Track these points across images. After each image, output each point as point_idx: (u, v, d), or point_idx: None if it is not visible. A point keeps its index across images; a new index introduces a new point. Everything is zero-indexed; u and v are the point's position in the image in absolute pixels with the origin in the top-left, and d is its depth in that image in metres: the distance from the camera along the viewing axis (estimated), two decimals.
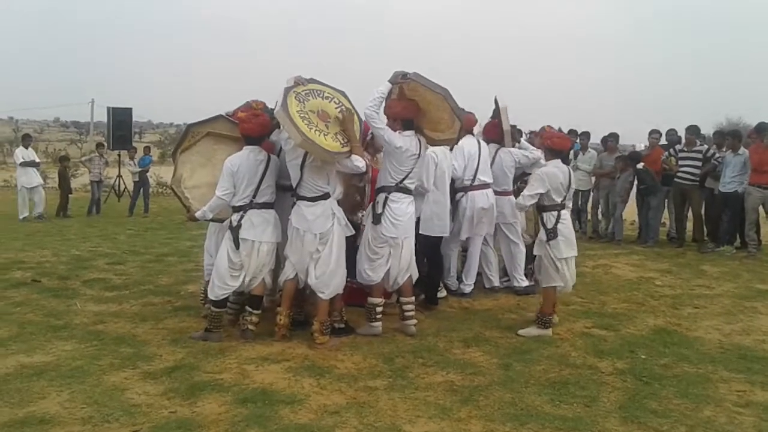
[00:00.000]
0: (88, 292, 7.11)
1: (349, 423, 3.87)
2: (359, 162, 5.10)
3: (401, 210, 5.44)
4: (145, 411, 3.99)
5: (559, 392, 4.39)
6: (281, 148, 5.44)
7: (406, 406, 4.12)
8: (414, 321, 5.64)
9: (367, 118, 5.31)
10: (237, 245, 5.20)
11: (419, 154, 5.51)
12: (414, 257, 5.66)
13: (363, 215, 5.77)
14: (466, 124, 6.79)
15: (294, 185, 5.25)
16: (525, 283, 7.07)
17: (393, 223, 5.40)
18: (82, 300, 6.72)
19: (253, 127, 5.25)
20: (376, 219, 5.42)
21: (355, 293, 5.75)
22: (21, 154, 13.94)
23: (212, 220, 5.51)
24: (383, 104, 5.34)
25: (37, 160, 14.43)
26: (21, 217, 13.48)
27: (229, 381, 4.49)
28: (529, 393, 4.37)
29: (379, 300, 5.56)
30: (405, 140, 5.40)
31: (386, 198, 5.43)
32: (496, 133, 7.08)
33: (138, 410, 4.00)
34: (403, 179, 5.46)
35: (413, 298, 5.71)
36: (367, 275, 5.49)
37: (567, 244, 5.61)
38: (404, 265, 5.53)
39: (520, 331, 5.69)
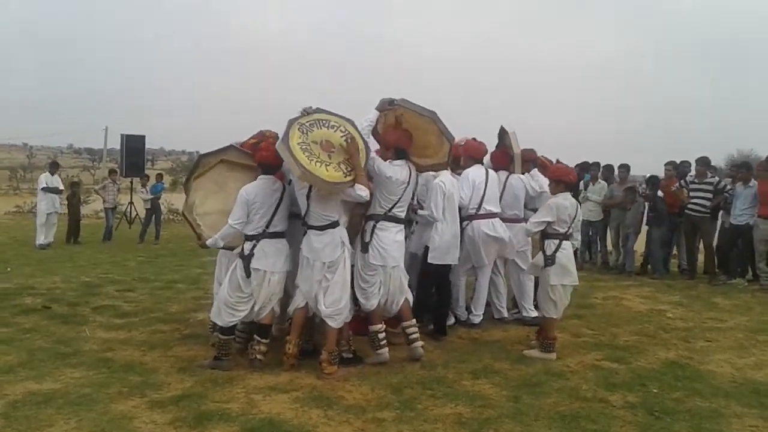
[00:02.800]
0: (98, 318, 7.12)
1: None
2: (363, 192, 5.10)
3: (389, 238, 5.49)
4: None
5: (569, 426, 4.33)
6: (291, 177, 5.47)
7: None
8: (420, 343, 5.67)
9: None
10: (248, 274, 5.20)
11: (409, 182, 5.57)
12: (406, 280, 5.70)
13: None
14: (474, 153, 6.87)
15: (303, 214, 5.28)
16: (534, 313, 6.98)
17: (380, 252, 5.44)
18: (92, 327, 6.73)
19: (271, 155, 5.27)
20: (364, 248, 5.47)
21: (364, 322, 5.73)
22: (45, 179, 14.07)
23: (223, 247, 5.52)
24: (370, 132, 5.49)
25: (61, 187, 14.53)
26: (38, 243, 13.52)
27: (237, 410, 4.47)
28: (539, 426, 4.32)
29: (380, 326, 5.55)
30: (395, 170, 5.49)
31: (374, 226, 5.48)
32: (505, 160, 7.11)
33: None
34: (392, 207, 5.52)
35: (414, 320, 5.72)
36: (362, 303, 5.51)
37: (561, 273, 5.81)
38: (397, 290, 5.58)
39: (525, 352, 5.93)
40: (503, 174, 7.06)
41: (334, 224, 5.23)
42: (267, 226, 5.25)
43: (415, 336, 5.66)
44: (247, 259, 5.21)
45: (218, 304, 5.34)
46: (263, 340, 5.40)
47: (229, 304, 5.26)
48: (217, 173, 5.71)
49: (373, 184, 5.47)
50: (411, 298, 5.77)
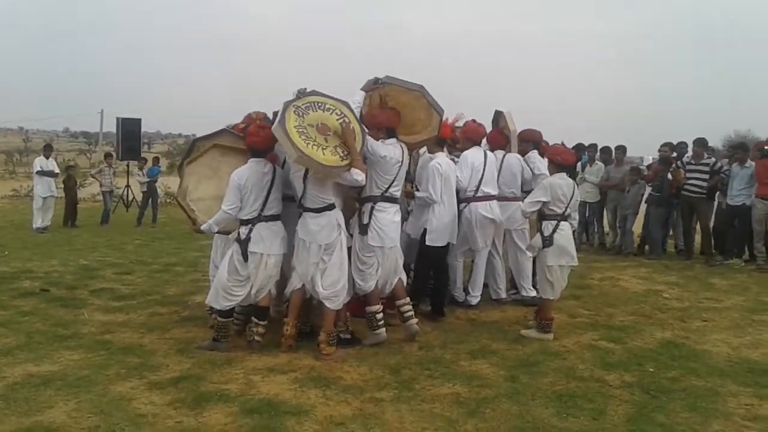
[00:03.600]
0: (96, 301, 7.13)
1: None
2: (359, 176, 5.07)
3: (387, 219, 5.50)
4: (151, 421, 4.00)
5: (566, 405, 4.37)
6: (285, 159, 5.46)
7: (413, 418, 4.11)
8: (415, 320, 5.72)
9: None
10: (245, 258, 5.20)
11: (402, 161, 5.57)
12: (401, 261, 5.76)
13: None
14: (473, 135, 6.85)
15: (299, 197, 5.29)
16: (533, 293, 6.97)
17: (379, 233, 5.45)
18: (90, 310, 6.75)
19: (260, 140, 5.25)
20: (363, 229, 5.48)
21: (362, 304, 5.75)
22: (40, 163, 14.04)
23: (218, 232, 5.51)
24: (360, 113, 5.49)
25: (56, 170, 14.49)
26: (35, 226, 13.51)
27: (236, 391, 4.49)
28: (535, 405, 4.35)
29: (377, 307, 5.57)
30: (388, 149, 5.47)
31: (372, 208, 5.48)
32: (501, 139, 7.16)
33: (144, 420, 4.01)
34: (389, 187, 5.52)
35: (408, 298, 5.78)
36: (359, 285, 5.53)
37: (558, 253, 5.82)
38: (392, 270, 5.62)
39: (522, 331, 5.99)
40: (500, 153, 7.06)
41: (330, 207, 5.23)
42: (261, 210, 5.24)
43: (409, 314, 5.70)
44: (244, 243, 5.20)
45: (215, 288, 5.33)
46: (261, 322, 5.41)
47: (227, 288, 5.26)
48: (210, 158, 5.66)
49: (368, 165, 5.46)
50: (404, 278, 5.83)
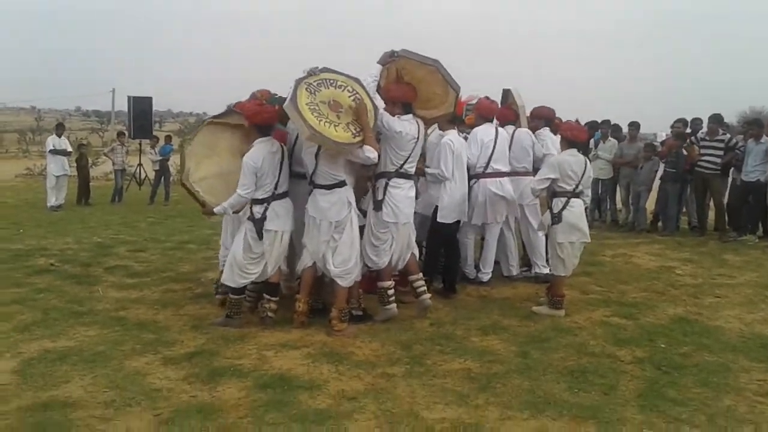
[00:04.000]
0: (110, 278, 7.20)
1: (367, 409, 3.90)
2: (371, 153, 5.06)
3: (402, 195, 5.48)
4: (166, 395, 4.05)
5: (577, 380, 4.38)
6: (297, 136, 5.45)
7: (424, 393, 4.14)
8: (428, 295, 5.74)
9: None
10: (260, 236, 5.21)
11: (418, 137, 5.53)
12: (414, 236, 5.76)
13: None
14: (485, 112, 6.81)
15: (310, 173, 5.27)
16: (546, 269, 6.95)
17: (393, 209, 5.44)
18: (104, 286, 6.81)
19: (265, 117, 5.23)
20: (377, 205, 5.47)
21: (374, 281, 5.76)
22: (52, 141, 14.09)
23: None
24: (376, 88, 5.46)
25: (69, 149, 14.52)
26: (49, 204, 13.61)
27: (249, 366, 4.54)
28: (547, 381, 4.37)
29: (389, 283, 5.60)
30: (404, 124, 5.43)
31: (386, 184, 5.46)
32: (510, 115, 7.11)
33: (159, 395, 4.06)
34: (403, 164, 5.49)
35: (421, 273, 5.80)
36: (373, 261, 5.54)
37: (568, 230, 5.78)
38: (405, 246, 5.62)
39: (534, 308, 5.99)
40: (510, 128, 7.01)
41: (341, 183, 5.21)
42: (275, 188, 5.23)
43: (422, 288, 5.72)
44: (259, 222, 5.20)
45: (230, 266, 5.34)
46: (273, 298, 5.46)
47: (242, 266, 5.27)
48: (204, 137, 5.62)
49: (382, 141, 5.44)
50: (417, 253, 5.85)
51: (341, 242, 5.24)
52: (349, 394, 4.10)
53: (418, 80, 5.60)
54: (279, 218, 5.26)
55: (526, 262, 7.39)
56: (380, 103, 5.46)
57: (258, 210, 5.23)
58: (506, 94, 7.31)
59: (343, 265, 5.25)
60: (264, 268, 5.32)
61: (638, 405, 4.01)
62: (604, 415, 3.84)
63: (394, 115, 5.43)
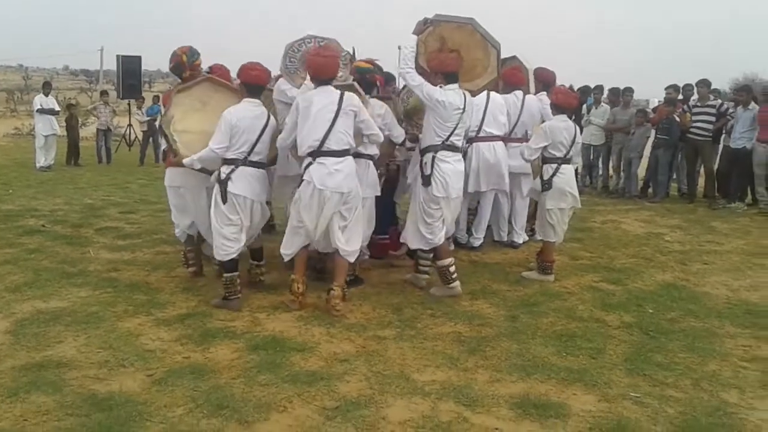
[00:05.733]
0: (101, 240, 7.20)
1: (358, 370, 3.95)
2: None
3: (451, 169, 5.26)
4: (159, 356, 4.09)
5: (565, 344, 4.45)
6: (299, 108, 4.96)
7: (415, 355, 4.20)
8: (426, 276, 5.64)
9: (403, 77, 5.26)
10: (224, 200, 4.87)
11: (464, 108, 5.24)
12: (457, 211, 5.65)
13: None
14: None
15: (320, 140, 4.77)
16: (522, 239, 7.17)
17: (442, 184, 5.23)
18: (96, 248, 6.81)
19: (252, 75, 5.01)
20: (426, 181, 5.24)
21: (381, 247, 5.74)
22: (40, 101, 13.92)
23: (200, 170, 5.17)
24: (414, 59, 5.23)
25: (57, 108, 14.33)
26: (38, 165, 13.51)
27: (241, 328, 4.58)
28: (535, 344, 4.43)
29: (450, 260, 5.42)
30: (447, 94, 5.16)
31: (434, 158, 5.23)
32: (518, 77, 6.95)
33: (152, 355, 4.10)
34: (450, 136, 5.24)
35: (451, 258, 5.52)
36: (427, 239, 5.34)
37: (558, 197, 5.79)
38: (452, 221, 5.56)
39: (523, 273, 6.02)
40: (520, 93, 6.92)
41: (349, 152, 4.94)
42: (249, 153, 4.91)
43: (425, 269, 5.63)
44: (223, 183, 4.86)
45: (215, 239, 5.04)
46: (260, 263, 5.44)
47: (223, 236, 4.95)
48: (201, 90, 5.37)
49: (426, 113, 5.31)
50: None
51: (353, 220, 4.99)
52: (340, 356, 4.15)
53: (458, 46, 5.41)
54: (245, 183, 4.90)
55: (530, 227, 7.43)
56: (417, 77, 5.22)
57: (225, 170, 4.89)
58: (511, 60, 7.12)
59: (354, 245, 5.04)
60: (243, 237, 5.05)
61: (625, 369, 4.08)
62: (591, 378, 3.91)
63: (436, 86, 5.20)
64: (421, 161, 5.34)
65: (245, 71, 5.04)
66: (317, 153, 4.79)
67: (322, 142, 4.77)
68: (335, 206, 4.84)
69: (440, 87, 5.19)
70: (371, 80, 5.49)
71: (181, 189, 5.48)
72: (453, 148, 5.31)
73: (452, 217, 5.51)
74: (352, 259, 5.08)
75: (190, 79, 5.41)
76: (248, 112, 4.94)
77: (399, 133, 5.61)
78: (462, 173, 5.45)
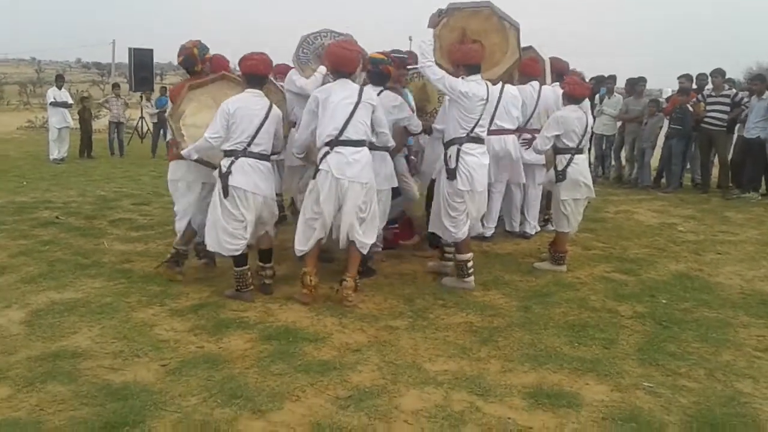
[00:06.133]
0: (115, 231, 7.24)
1: (370, 360, 3.96)
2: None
3: (475, 162, 5.16)
4: (173, 346, 4.12)
5: (578, 334, 4.44)
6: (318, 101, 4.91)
7: (426, 345, 4.20)
8: (472, 278, 5.43)
9: (423, 72, 5.24)
10: (226, 193, 4.77)
11: (487, 99, 5.17)
12: (484, 205, 5.50)
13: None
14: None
15: (339, 128, 4.75)
16: (535, 230, 7.16)
17: (467, 177, 5.13)
18: (109, 239, 6.86)
19: (249, 64, 4.91)
20: (451, 174, 5.15)
21: (391, 237, 5.73)
22: (53, 94, 14.01)
23: (201, 162, 5.17)
24: (432, 53, 5.18)
25: (70, 101, 14.45)
26: (51, 157, 13.60)
27: (254, 319, 4.60)
28: (547, 335, 4.43)
29: (469, 255, 5.35)
30: (470, 85, 5.07)
31: (458, 150, 5.13)
32: (535, 68, 6.87)
33: (166, 345, 4.13)
34: (474, 127, 5.14)
35: (471, 254, 5.45)
36: (450, 233, 5.28)
37: (572, 187, 5.77)
38: (477, 215, 5.40)
39: (536, 264, 6.00)
40: (536, 84, 6.87)
41: (366, 143, 4.91)
42: (249, 144, 4.81)
43: (471, 270, 5.43)
44: (224, 176, 4.77)
45: (216, 234, 4.90)
46: (267, 265, 5.18)
47: (227, 232, 4.86)
48: (217, 88, 5.40)
49: (449, 105, 5.24)
50: (478, 230, 5.67)
51: (371, 213, 4.96)
52: (353, 346, 4.17)
53: (476, 33, 5.32)
54: (247, 176, 4.79)
55: (544, 217, 7.43)
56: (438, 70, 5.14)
57: (225, 163, 4.81)
58: (527, 51, 7.04)
59: (370, 238, 5.01)
60: (246, 231, 4.92)
61: (638, 359, 4.07)
62: (604, 369, 3.91)
63: (458, 77, 5.13)
64: (446, 154, 5.24)
65: (244, 61, 4.98)
66: (335, 142, 4.77)
67: (341, 131, 4.76)
68: (358, 198, 4.81)
69: (462, 78, 5.12)
70: (385, 71, 5.44)
71: (179, 182, 5.47)
72: (478, 140, 5.21)
73: (477, 212, 5.40)
74: (364, 251, 5.05)
75: (202, 72, 5.44)
76: (247, 101, 4.87)
77: (416, 123, 5.59)
78: (486, 166, 5.34)
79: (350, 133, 4.78)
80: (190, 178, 5.39)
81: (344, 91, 4.82)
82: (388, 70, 5.48)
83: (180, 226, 5.56)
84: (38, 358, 3.91)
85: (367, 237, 4.97)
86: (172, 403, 3.40)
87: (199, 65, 5.49)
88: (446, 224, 5.27)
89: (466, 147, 5.15)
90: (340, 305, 4.86)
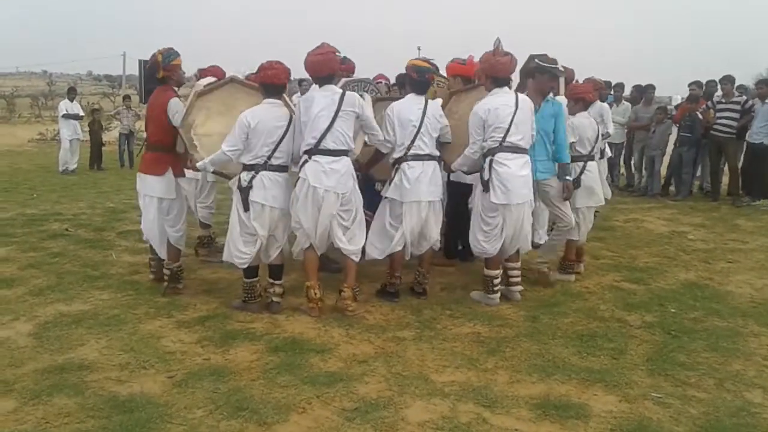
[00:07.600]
0: (123, 243, 7.27)
1: (377, 371, 3.95)
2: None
3: (511, 173, 4.93)
4: (179, 358, 4.12)
5: (586, 344, 4.41)
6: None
7: (434, 356, 4.19)
8: (520, 288, 5.38)
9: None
10: (246, 207, 4.77)
11: (517, 106, 4.96)
12: (529, 222, 5.22)
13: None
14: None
15: (317, 138, 4.72)
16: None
17: (502, 190, 4.93)
18: (118, 251, 6.88)
19: (268, 74, 4.82)
20: (485, 186, 4.99)
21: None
22: (65, 106, 14.15)
23: (217, 173, 5.22)
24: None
25: (81, 113, 14.60)
26: (62, 169, 13.70)
27: (261, 330, 4.60)
28: (556, 345, 4.40)
29: (497, 272, 5.21)
30: (495, 101, 4.96)
31: (491, 161, 4.96)
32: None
33: (173, 357, 4.13)
34: (505, 135, 4.93)
35: (519, 263, 5.41)
36: (481, 247, 5.15)
37: (587, 195, 5.78)
38: (516, 234, 5.11)
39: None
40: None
41: (347, 152, 4.86)
42: (269, 157, 4.77)
43: (516, 279, 5.37)
44: (244, 191, 4.76)
45: (228, 243, 4.95)
46: (277, 282, 5.06)
47: (237, 244, 4.87)
48: (227, 93, 5.31)
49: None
50: (527, 247, 5.37)
51: (355, 222, 4.93)
52: (359, 357, 4.16)
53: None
54: (266, 190, 4.76)
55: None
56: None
57: (245, 177, 4.78)
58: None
59: (356, 245, 4.99)
60: (261, 251, 4.93)
61: (647, 369, 4.04)
62: (613, 379, 3.88)
63: (488, 90, 5.08)
64: (481, 166, 5.10)
65: (263, 71, 4.89)
66: (314, 151, 4.75)
67: (320, 140, 4.72)
68: (332, 207, 4.77)
69: (488, 93, 5.05)
70: (430, 80, 5.38)
71: (142, 194, 5.48)
72: (514, 149, 4.98)
73: (515, 230, 5.08)
74: (356, 258, 5.02)
75: (166, 80, 5.33)
76: (267, 113, 4.80)
77: (448, 134, 5.39)
78: (525, 177, 5.03)
79: (328, 143, 4.73)
80: (145, 191, 5.41)
81: (325, 99, 4.77)
82: (432, 78, 5.46)
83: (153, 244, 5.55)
84: (45, 370, 3.92)
85: (352, 243, 4.96)
86: (178, 416, 3.40)
87: (161, 72, 5.30)
88: (479, 237, 5.15)
89: (500, 156, 4.95)
90: (346, 316, 4.86)
